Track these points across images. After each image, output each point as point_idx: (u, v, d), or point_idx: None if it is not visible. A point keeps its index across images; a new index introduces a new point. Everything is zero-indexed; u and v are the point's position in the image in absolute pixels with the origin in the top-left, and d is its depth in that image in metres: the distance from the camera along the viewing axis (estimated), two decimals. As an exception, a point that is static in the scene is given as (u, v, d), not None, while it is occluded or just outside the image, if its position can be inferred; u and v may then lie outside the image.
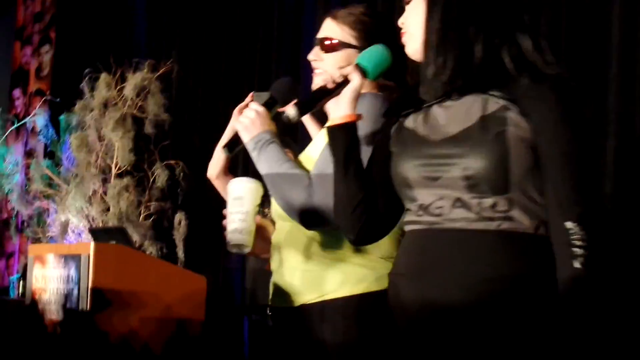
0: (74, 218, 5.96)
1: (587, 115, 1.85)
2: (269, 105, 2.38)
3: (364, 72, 2.04)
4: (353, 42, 2.36)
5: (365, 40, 2.33)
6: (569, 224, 1.74)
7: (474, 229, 1.79)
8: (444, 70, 1.84)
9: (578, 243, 1.72)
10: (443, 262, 1.80)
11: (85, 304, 3.51)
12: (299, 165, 2.35)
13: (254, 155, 2.32)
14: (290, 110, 2.04)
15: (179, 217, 5.85)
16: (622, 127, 3.34)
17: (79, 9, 7.52)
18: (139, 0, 7.52)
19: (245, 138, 2.33)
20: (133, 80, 6.01)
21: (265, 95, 2.41)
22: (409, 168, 1.88)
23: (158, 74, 6.08)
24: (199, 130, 6.42)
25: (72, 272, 3.67)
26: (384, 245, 2.26)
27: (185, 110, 6.51)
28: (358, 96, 2.01)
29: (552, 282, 1.74)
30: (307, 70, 5.70)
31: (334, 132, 1.99)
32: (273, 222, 2.52)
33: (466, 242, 1.79)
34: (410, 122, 1.95)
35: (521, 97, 1.80)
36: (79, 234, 5.98)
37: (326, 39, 2.38)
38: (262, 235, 2.49)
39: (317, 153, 2.34)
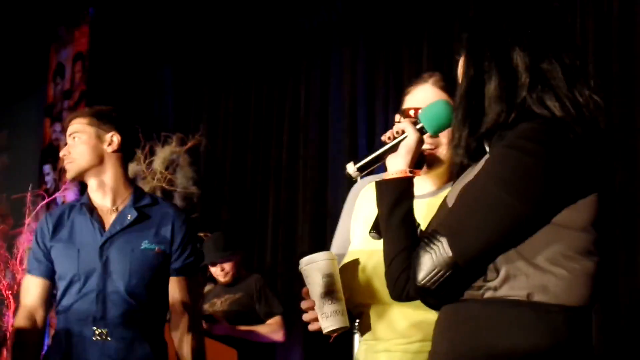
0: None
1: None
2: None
3: (421, 128, 1.98)
4: None
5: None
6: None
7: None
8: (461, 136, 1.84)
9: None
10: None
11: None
12: None
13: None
14: (350, 168, 1.99)
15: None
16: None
17: (107, 86, 7.64)
18: (166, 76, 7.65)
19: None
20: (162, 154, 6.08)
21: None
22: None
23: (186, 147, 6.15)
24: (227, 202, 6.47)
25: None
26: None
27: (213, 183, 6.57)
28: (413, 151, 1.95)
29: None
30: (334, 142, 5.75)
31: (381, 186, 1.92)
32: None
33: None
34: None
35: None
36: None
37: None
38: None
39: None
